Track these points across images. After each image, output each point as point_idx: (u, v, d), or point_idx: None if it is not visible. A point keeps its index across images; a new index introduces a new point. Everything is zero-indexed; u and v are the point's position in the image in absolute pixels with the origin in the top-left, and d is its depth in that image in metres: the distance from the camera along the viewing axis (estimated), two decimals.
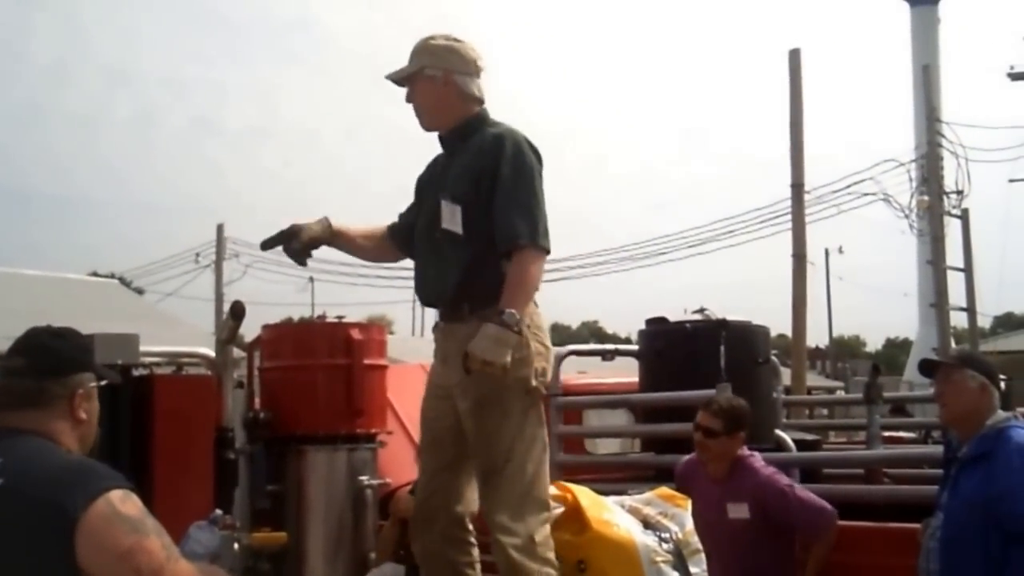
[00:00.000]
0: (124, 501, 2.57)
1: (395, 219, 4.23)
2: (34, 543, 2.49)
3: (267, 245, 4.07)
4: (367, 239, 4.22)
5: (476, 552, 3.95)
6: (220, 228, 32.15)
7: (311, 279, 31.64)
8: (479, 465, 3.81)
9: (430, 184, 4.06)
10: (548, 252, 3.82)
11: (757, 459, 4.93)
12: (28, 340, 2.83)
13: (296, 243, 3.97)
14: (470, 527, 3.95)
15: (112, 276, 30.06)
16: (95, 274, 27.47)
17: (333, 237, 4.07)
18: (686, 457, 5.15)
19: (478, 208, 3.79)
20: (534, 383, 3.77)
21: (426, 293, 3.99)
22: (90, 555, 2.48)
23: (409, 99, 4.03)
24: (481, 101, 4.03)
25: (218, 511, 3.08)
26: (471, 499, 3.92)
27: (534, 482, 3.78)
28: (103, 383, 2.88)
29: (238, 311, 4.97)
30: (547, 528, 3.79)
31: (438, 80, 3.96)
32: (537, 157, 3.89)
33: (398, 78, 4.03)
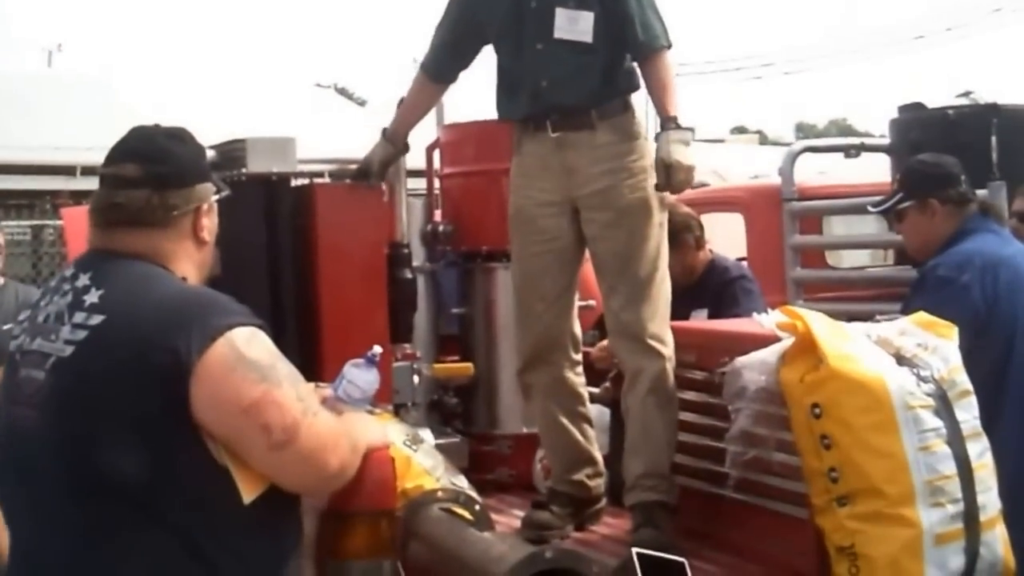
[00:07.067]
0: (250, 342, 2.12)
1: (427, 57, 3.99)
2: (140, 393, 2.05)
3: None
4: (420, 111, 4.11)
5: None
6: None
7: None
8: (625, 276, 3.63)
9: None
10: None
11: None
12: (140, 142, 2.32)
13: (373, 179, 4.07)
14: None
15: (334, 86, 30.04)
16: (318, 86, 27.53)
17: (396, 148, 4.07)
18: None
19: (601, 13, 3.61)
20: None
21: (536, 103, 3.69)
22: (207, 408, 2.06)
23: None
24: None
25: (377, 347, 2.58)
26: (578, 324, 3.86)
27: (668, 300, 3.70)
28: (223, 196, 2.40)
29: None
30: None
31: None
32: None
33: None
